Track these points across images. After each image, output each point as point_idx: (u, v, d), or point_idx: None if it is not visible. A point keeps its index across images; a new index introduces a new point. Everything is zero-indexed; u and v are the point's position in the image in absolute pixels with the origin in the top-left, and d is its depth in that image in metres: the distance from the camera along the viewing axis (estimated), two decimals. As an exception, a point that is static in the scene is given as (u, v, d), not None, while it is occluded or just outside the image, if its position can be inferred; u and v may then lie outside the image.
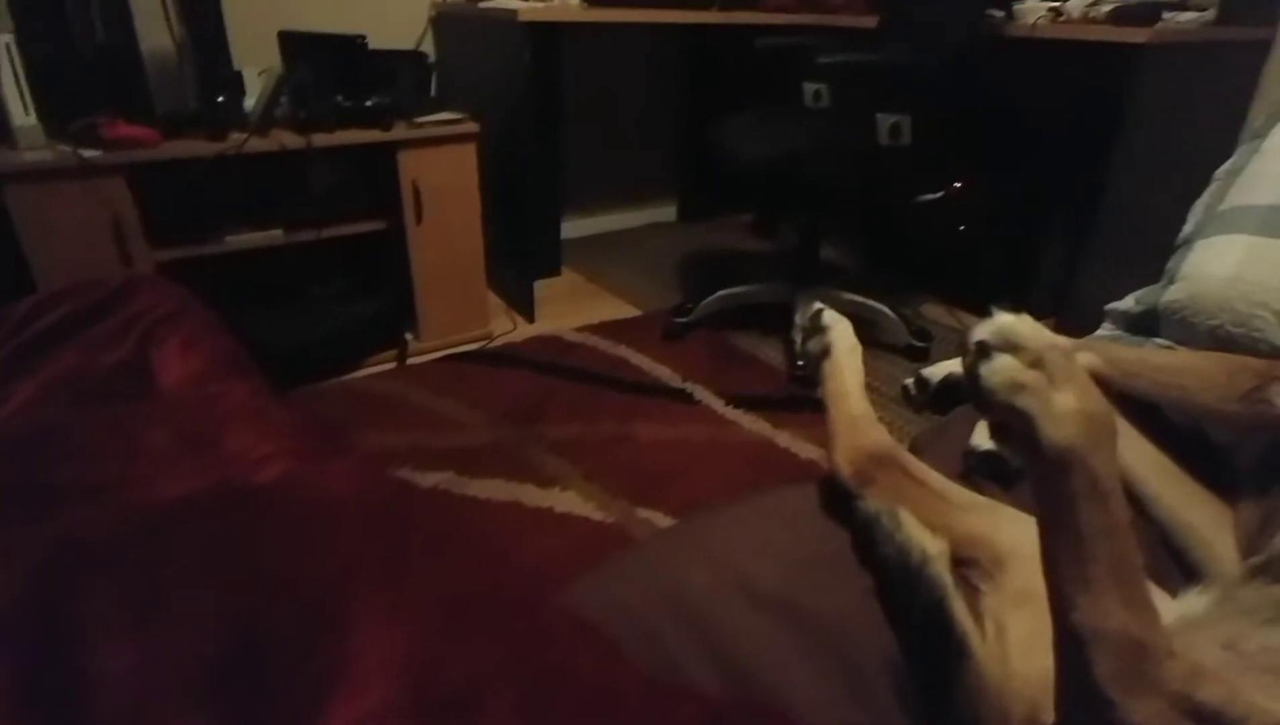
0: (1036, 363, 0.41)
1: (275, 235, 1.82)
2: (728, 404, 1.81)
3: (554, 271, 2.59)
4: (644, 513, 1.46)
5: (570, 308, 2.35)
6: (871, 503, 0.61)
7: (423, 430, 1.70)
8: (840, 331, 0.76)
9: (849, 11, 2.34)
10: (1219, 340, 0.91)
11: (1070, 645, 0.39)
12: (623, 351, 2.06)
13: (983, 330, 0.43)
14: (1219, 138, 1.13)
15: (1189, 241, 1.00)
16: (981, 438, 0.77)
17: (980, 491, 0.70)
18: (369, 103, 1.80)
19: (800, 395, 1.79)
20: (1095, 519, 0.39)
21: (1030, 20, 1.77)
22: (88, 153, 1.49)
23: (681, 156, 3.06)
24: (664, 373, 1.96)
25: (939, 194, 1.82)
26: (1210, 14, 1.69)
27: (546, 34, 2.21)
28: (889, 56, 1.71)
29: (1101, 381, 0.81)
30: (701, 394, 1.86)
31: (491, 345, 2.12)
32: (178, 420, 0.69)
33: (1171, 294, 0.96)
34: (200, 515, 0.51)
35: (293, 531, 0.49)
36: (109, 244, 1.56)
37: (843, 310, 2.07)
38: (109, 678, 0.41)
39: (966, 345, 0.44)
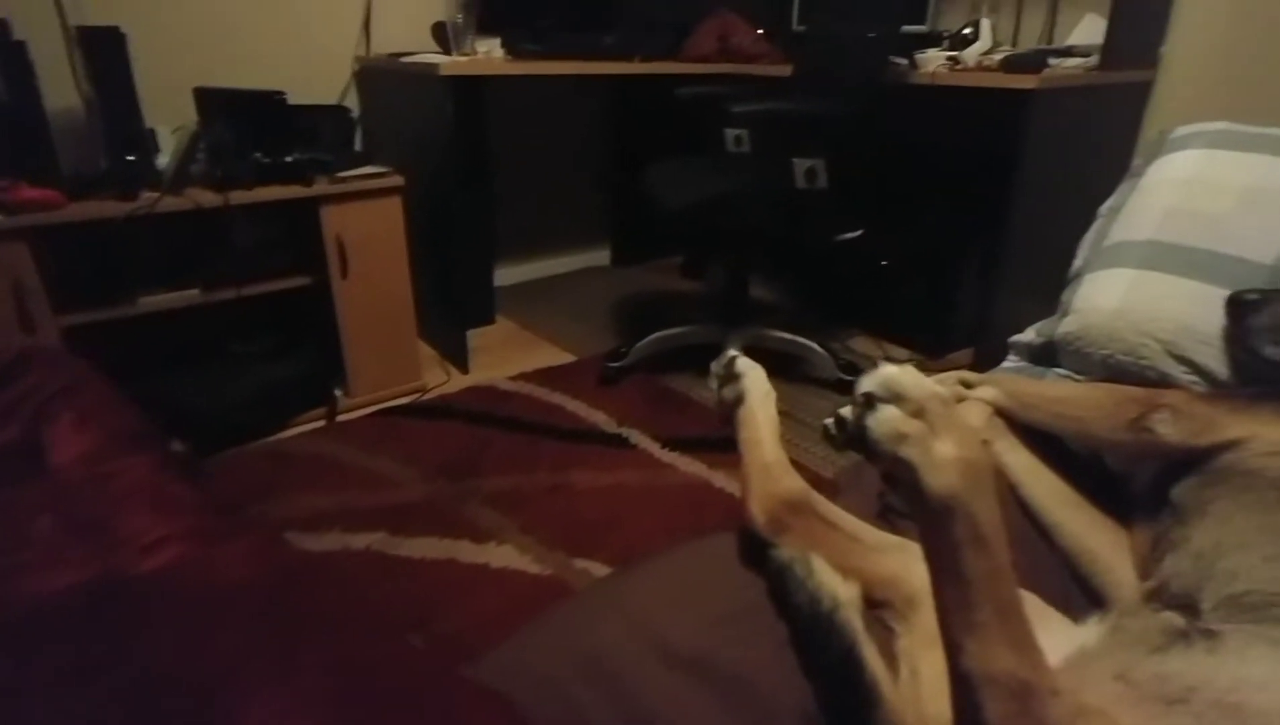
0: (919, 412, 0.43)
1: (192, 295, 1.76)
2: (664, 447, 1.81)
3: (488, 320, 2.58)
4: (581, 563, 1.44)
5: (505, 356, 2.34)
6: (785, 551, 0.61)
7: (354, 490, 1.65)
8: (754, 378, 0.78)
9: (766, 61, 2.43)
10: (1111, 369, 0.96)
11: (962, 689, 0.40)
12: (558, 399, 2.06)
13: (868, 382, 0.45)
14: (1105, 175, 1.21)
15: (1079, 275, 1.06)
16: (895, 476, 0.79)
17: (896, 530, 0.72)
18: (289, 158, 1.78)
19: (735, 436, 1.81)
20: (978, 563, 0.40)
21: (931, 69, 1.88)
22: (-14, 218, 1.43)
23: (614, 201, 3.11)
24: (600, 418, 1.95)
25: (858, 232, 1.89)
26: (1093, 60, 1.82)
27: (470, 87, 2.23)
28: (801, 104, 1.78)
29: (1004, 414, 0.84)
30: (638, 438, 1.86)
31: (425, 398, 2.09)
32: (68, 503, 0.66)
33: (1066, 326, 1.01)
34: (81, 609, 0.48)
35: (179, 624, 0.47)
36: (8, 311, 1.49)
37: (772, 347, 2.12)
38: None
39: (855, 396, 0.45)
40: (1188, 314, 0.90)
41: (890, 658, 0.58)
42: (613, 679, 0.53)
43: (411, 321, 2.06)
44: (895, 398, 0.43)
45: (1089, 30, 1.96)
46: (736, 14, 2.54)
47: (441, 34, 2.21)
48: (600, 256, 3.23)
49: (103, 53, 1.67)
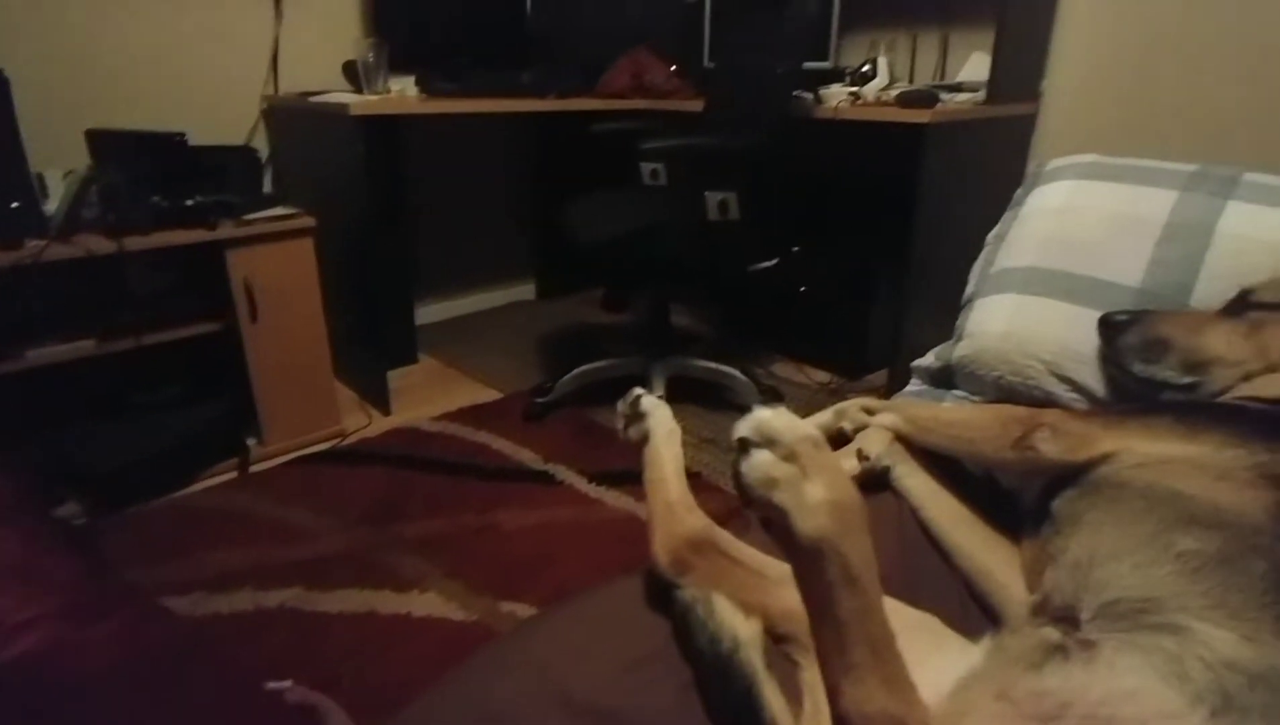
0: (791, 455, 0.44)
1: (86, 346, 1.67)
2: (591, 482, 1.80)
3: (410, 359, 2.53)
4: (509, 606, 1.41)
5: (429, 396, 2.29)
6: (688, 591, 0.62)
7: (268, 544, 1.58)
8: (659, 417, 0.78)
9: (679, 96, 2.49)
10: (1003, 390, 1.01)
11: (843, 728, 0.40)
12: (483, 437, 2.02)
13: (742, 427, 0.45)
14: (997, 204, 1.28)
15: (970, 301, 1.12)
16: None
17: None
18: (190, 202, 1.72)
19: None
20: (850, 603, 0.41)
21: (833, 104, 1.96)
22: None
23: (538, 235, 3.11)
24: (526, 456, 1.93)
25: (773, 261, 1.94)
26: (981, 95, 1.94)
27: (384, 126, 2.21)
28: (711, 139, 1.83)
29: (904, 439, 0.87)
30: (564, 474, 1.84)
31: (344, 443, 2.02)
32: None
33: (960, 350, 1.06)
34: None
35: (39, 716, 0.44)
36: (-126, 374, 1.38)
37: (696, 376, 2.14)
38: None
39: (731, 442, 0.46)
40: (1067, 336, 0.96)
41: (795, 693, 0.59)
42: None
43: (327, 365, 2.00)
44: (768, 442, 0.44)
45: (976, 67, 2.09)
46: (650, 51, 2.60)
47: (353, 73, 2.19)
48: (525, 291, 3.22)
49: (-19, 96, 1.58)
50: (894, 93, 1.95)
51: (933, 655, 0.60)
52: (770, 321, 2.57)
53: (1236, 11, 1.84)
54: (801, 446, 0.44)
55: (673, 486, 0.71)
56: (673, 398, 2.06)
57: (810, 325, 2.41)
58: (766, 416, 0.46)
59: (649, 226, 1.82)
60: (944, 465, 0.85)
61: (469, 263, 2.99)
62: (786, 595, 0.65)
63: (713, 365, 2.09)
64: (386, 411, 2.19)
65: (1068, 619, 0.54)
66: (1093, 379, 0.94)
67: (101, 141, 1.79)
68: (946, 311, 1.24)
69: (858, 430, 0.91)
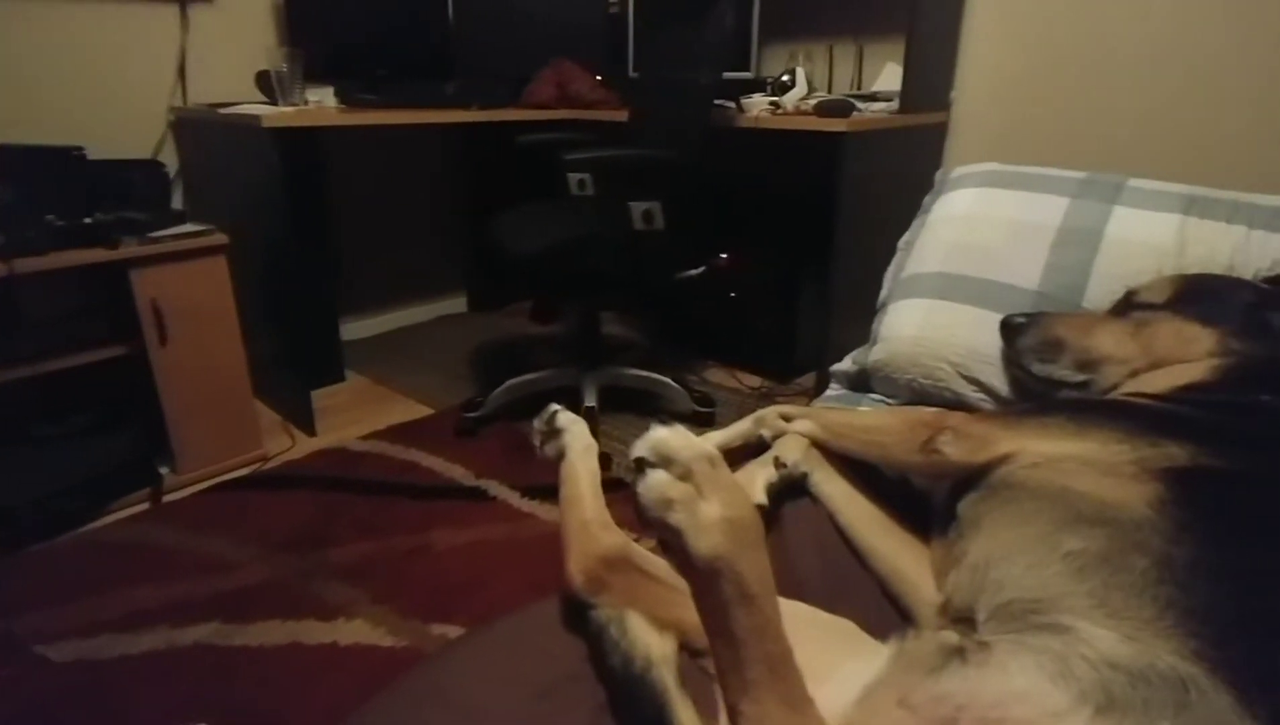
0: (687, 474, 0.44)
1: (-24, 377, 1.56)
2: (524, 496, 1.78)
3: (337, 378, 2.45)
4: (440, 629, 1.38)
5: (357, 415, 2.23)
6: (603, 611, 0.61)
7: (183, 578, 1.51)
8: (575, 432, 0.78)
9: (604, 107, 2.50)
10: (916, 392, 1.04)
11: (745, 748, 0.40)
12: (414, 455, 1.98)
13: (639, 447, 0.45)
14: (912, 210, 1.31)
15: (884, 306, 1.15)
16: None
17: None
18: (88, 220, 1.63)
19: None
20: (747, 621, 0.41)
21: (754, 113, 1.99)
22: None
23: (468, 247, 3.07)
24: (458, 472, 1.90)
25: (700, 270, 1.96)
26: (894, 104, 2.00)
27: (302, 139, 2.15)
28: (634, 149, 1.84)
29: (818, 445, 0.89)
30: (497, 489, 1.81)
31: (267, 467, 1.95)
32: None
33: (875, 354, 1.09)
34: None
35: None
36: None
37: (628, 385, 2.14)
38: None
39: (629, 463, 0.46)
40: (973, 338, 0.99)
41: (711, 706, 0.59)
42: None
43: (246, 386, 1.92)
44: (664, 461, 0.44)
45: (890, 77, 2.16)
46: (575, 62, 2.60)
47: (267, 83, 2.12)
48: (457, 304, 3.16)
49: None
50: (812, 102, 2.00)
51: (846, 661, 0.61)
52: (702, 328, 2.59)
53: (1128, 24, 1.95)
54: (698, 465, 0.44)
55: (588, 504, 0.71)
56: (606, 407, 2.06)
57: (740, 331, 2.44)
58: (663, 436, 0.45)
59: (576, 238, 1.81)
60: (860, 469, 0.87)
61: (398, 277, 2.93)
62: (703, 609, 0.65)
63: (644, 374, 2.10)
64: (312, 432, 2.12)
65: (966, 620, 0.56)
66: (998, 380, 0.97)
67: (-12, 158, 1.68)
68: (870, 315, 1.27)
69: (776, 437, 0.92)
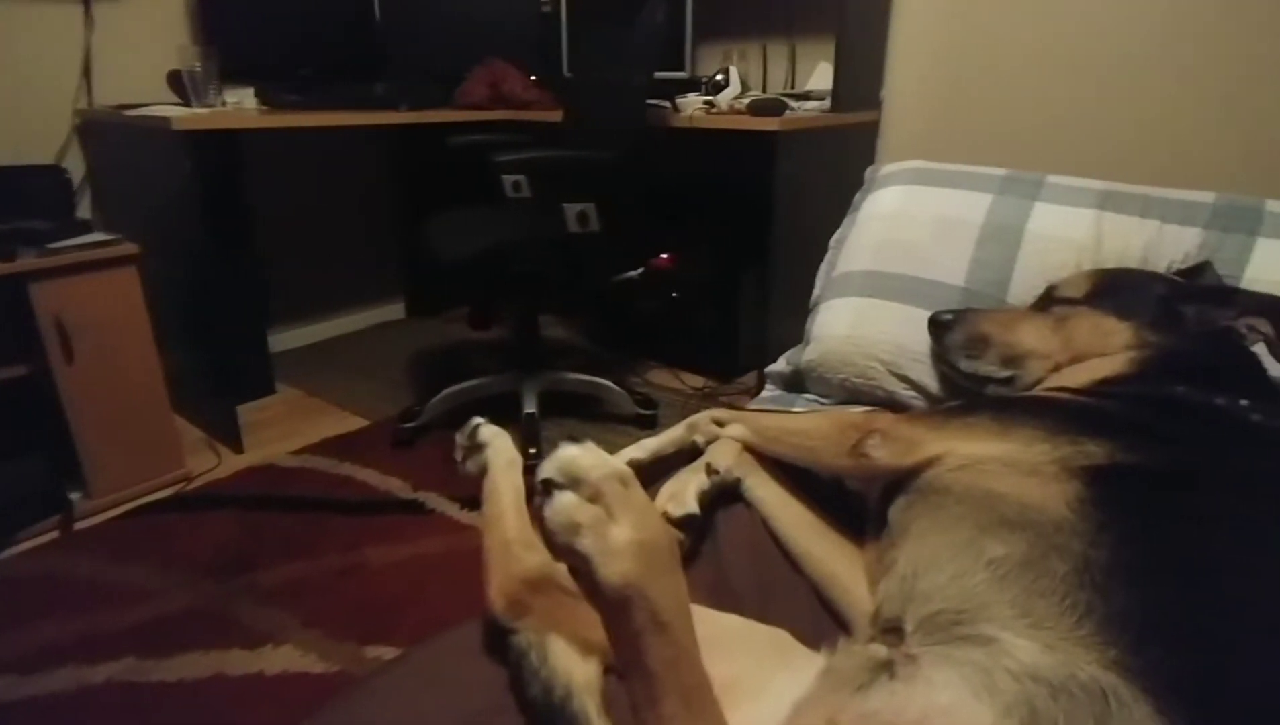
0: (596, 496, 0.41)
1: None
2: (463, 508, 1.73)
3: (266, 391, 2.35)
4: (375, 650, 1.33)
5: (288, 429, 2.14)
6: (524, 637, 0.58)
7: (95, 611, 1.42)
8: (498, 447, 0.75)
9: (539, 107, 2.46)
10: (849, 391, 1.04)
11: (660, 786, 0.38)
12: (348, 469, 1.91)
13: (546, 467, 0.43)
14: (842, 208, 1.31)
15: (816, 305, 1.14)
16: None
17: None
18: (-22, 232, 1.52)
19: (533, 485, 1.77)
20: (661, 652, 0.39)
21: (689, 113, 1.98)
22: None
23: (406, 252, 2.99)
24: (395, 485, 1.83)
25: (640, 271, 1.94)
26: (827, 103, 2.01)
27: (219, 142, 2.05)
28: (566, 150, 1.81)
29: (751, 450, 0.87)
30: (435, 502, 1.76)
31: (190, 488, 1.85)
32: None
33: (808, 354, 1.08)
34: None
35: None
36: None
37: (570, 389, 2.11)
38: None
39: (536, 485, 0.43)
40: (903, 336, 1.00)
41: (638, 731, 0.56)
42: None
43: (164, 404, 1.82)
44: (572, 482, 0.42)
45: (823, 76, 2.17)
46: (508, 61, 2.55)
47: (179, 84, 2.01)
48: (394, 310, 3.08)
49: None
50: (746, 101, 2.00)
51: (779, 674, 0.59)
52: (643, 329, 2.57)
53: (1048, 25, 2.00)
54: (608, 485, 0.42)
55: (510, 522, 0.68)
56: (547, 412, 2.02)
57: (682, 331, 2.43)
58: (571, 455, 0.43)
59: (508, 241, 1.77)
60: (795, 473, 0.86)
61: (331, 284, 2.83)
62: (631, 628, 0.63)
63: (585, 377, 2.07)
64: (239, 449, 2.03)
65: (895, 630, 0.54)
66: (928, 377, 0.98)
67: None
68: (804, 316, 1.27)
69: (710, 443, 0.91)
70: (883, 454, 0.71)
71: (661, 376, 2.44)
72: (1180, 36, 1.85)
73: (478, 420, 0.78)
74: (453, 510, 1.73)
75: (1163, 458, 0.60)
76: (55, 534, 1.66)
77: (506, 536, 0.66)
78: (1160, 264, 0.96)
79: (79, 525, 1.69)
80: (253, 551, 1.59)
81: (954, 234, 1.03)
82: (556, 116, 2.30)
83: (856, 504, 0.85)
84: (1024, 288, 0.97)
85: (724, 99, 2.07)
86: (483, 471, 0.73)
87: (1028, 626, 0.45)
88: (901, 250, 1.06)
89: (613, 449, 1.88)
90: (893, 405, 1.00)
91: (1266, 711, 0.40)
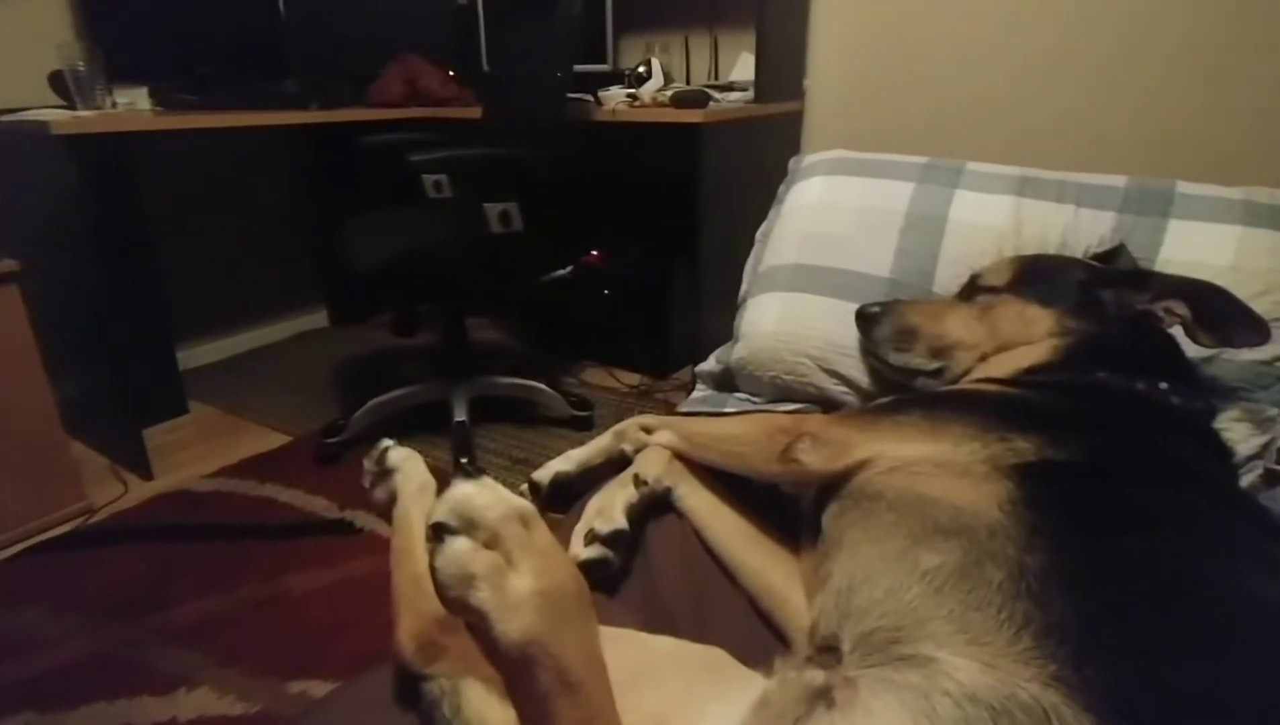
0: (494, 540, 0.37)
1: None
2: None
3: (177, 411, 2.21)
4: (298, 686, 1.25)
5: (202, 451, 2.01)
6: (436, 683, 0.53)
7: (-16, 664, 1.29)
8: (408, 471, 0.69)
9: (457, 104, 2.37)
10: (780, 389, 1.01)
11: None
12: (269, 490, 1.80)
13: (438, 509, 0.38)
14: (770, 200, 1.29)
15: (744, 301, 1.12)
16: (578, 547, 0.75)
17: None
18: None
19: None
20: (571, 714, 0.35)
21: (611, 106, 1.94)
22: None
23: (325, 257, 2.85)
24: (319, 504, 1.74)
25: (569, 269, 1.88)
26: (750, 94, 2.00)
27: (108, 147, 1.90)
28: (483, 147, 1.74)
29: (681, 457, 0.84)
30: (364, 520, 1.68)
31: (92, 521, 1.72)
32: None
33: (737, 352, 1.06)
34: None
35: None
36: None
37: (502, 394, 2.04)
38: None
39: (427, 531, 0.38)
40: (830, 330, 0.98)
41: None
42: None
43: (58, 431, 1.69)
44: (467, 525, 0.37)
45: (746, 67, 2.16)
46: (423, 57, 2.46)
47: (62, 85, 1.86)
48: (316, 319, 2.94)
49: None
50: (669, 93, 1.96)
51: (712, 705, 0.56)
52: (576, 329, 2.52)
53: (964, 15, 2.03)
54: (507, 527, 0.37)
55: (422, 555, 0.62)
56: (479, 420, 1.95)
57: (615, 329, 2.39)
58: (465, 494, 0.38)
59: (427, 244, 1.69)
60: (727, 479, 0.83)
61: (246, 295, 2.68)
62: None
63: (518, 381, 2.00)
64: (148, 475, 1.89)
65: (833, 649, 0.52)
66: (857, 371, 0.96)
67: None
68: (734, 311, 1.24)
69: (639, 451, 0.87)
70: (813, 459, 0.68)
71: (596, 375, 2.40)
72: (1090, 23, 1.90)
73: (386, 443, 0.72)
74: (382, 528, 1.64)
75: (1088, 450, 0.59)
76: (-63, 581, 1.52)
77: (417, 571, 0.60)
78: (1078, 248, 0.97)
79: (-35, 570, 1.55)
80: (163, 587, 1.49)
81: (878, 224, 1.02)
82: (476, 113, 2.22)
83: (792, 508, 0.82)
84: (949, 276, 0.96)
85: (647, 91, 2.03)
86: (392, 499, 0.68)
87: (966, 643, 0.43)
88: (826, 243, 1.04)
89: (548, 453, 1.81)
90: (824, 401, 0.98)
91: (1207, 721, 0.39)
